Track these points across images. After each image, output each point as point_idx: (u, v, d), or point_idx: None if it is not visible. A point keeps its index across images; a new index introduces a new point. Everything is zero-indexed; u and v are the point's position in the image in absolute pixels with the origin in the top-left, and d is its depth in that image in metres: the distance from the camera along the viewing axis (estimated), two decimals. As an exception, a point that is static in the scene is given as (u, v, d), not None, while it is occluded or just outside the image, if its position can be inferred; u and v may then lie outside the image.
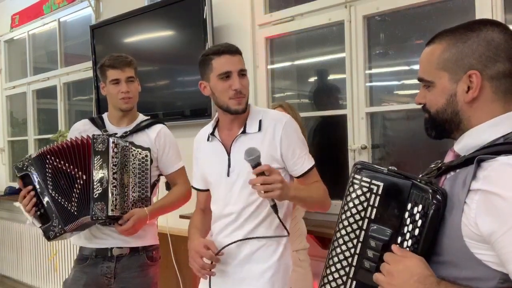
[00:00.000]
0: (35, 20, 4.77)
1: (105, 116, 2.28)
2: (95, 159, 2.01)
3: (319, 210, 1.83)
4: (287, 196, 1.58)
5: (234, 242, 1.71)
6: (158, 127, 2.26)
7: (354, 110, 2.50)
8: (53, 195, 2.02)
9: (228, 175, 1.74)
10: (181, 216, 3.05)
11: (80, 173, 2.02)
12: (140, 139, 2.17)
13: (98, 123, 2.22)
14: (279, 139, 1.70)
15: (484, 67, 1.00)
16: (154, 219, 2.22)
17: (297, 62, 3.05)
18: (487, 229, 0.88)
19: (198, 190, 1.97)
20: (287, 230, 1.68)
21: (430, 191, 0.97)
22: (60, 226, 2.00)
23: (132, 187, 2.07)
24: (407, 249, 0.98)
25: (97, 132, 2.14)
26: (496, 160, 0.90)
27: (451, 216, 0.95)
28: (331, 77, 2.86)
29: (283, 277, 1.73)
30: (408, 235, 0.98)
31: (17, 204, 2.08)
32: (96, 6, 4.02)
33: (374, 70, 2.53)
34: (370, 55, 2.50)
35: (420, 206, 0.97)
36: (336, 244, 1.10)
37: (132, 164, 2.08)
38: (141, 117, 2.30)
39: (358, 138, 2.49)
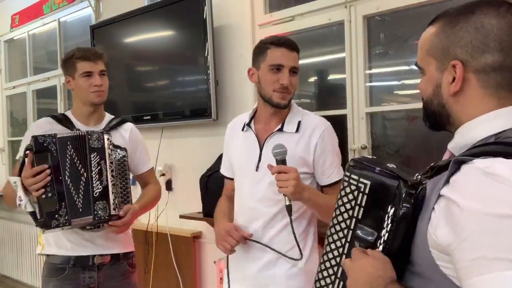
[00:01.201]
0: (35, 20, 4.77)
1: (69, 114, 2.12)
2: (92, 156, 1.93)
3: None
4: (301, 196, 1.57)
5: (257, 242, 1.69)
6: (129, 125, 2.19)
7: (354, 110, 2.50)
8: (68, 182, 1.89)
9: (257, 169, 1.71)
10: (181, 216, 3.06)
11: (82, 169, 1.93)
12: (114, 138, 2.07)
13: (64, 121, 2.07)
14: (314, 144, 1.69)
15: (470, 58, 0.87)
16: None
17: (297, 62, 3.05)
18: (445, 240, 0.79)
19: (226, 178, 1.94)
20: (296, 239, 1.62)
21: (403, 194, 0.90)
22: (66, 217, 1.86)
23: (115, 186, 2.00)
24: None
25: (65, 131, 2.00)
26: (472, 162, 0.79)
27: (422, 223, 0.86)
28: (331, 77, 2.86)
29: (310, 282, 1.71)
30: (382, 239, 0.93)
31: (13, 179, 1.87)
32: (96, 6, 4.02)
33: (374, 70, 2.53)
34: (370, 55, 2.50)
35: (393, 210, 0.91)
36: (326, 242, 1.09)
37: (114, 164, 2.01)
38: (108, 116, 2.18)
39: (358, 138, 2.49)
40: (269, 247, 1.68)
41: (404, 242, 0.89)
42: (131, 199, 2.06)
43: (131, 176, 2.15)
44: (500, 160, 0.77)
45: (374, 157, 1.11)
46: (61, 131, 1.99)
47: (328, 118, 2.78)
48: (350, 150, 2.50)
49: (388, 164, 1.00)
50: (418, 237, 0.86)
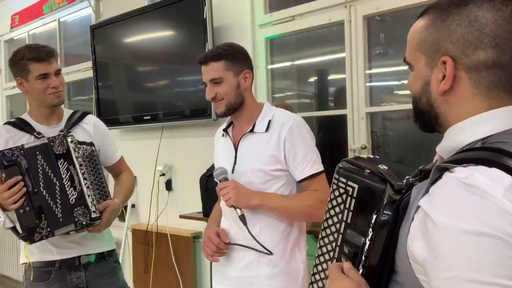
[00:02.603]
0: (35, 20, 4.77)
1: (26, 117, 2.00)
2: (59, 163, 1.85)
3: (303, 220, 1.81)
4: (249, 203, 1.65)
5: (236, 244, 1.73)
6: (91, 118, 2.10)
7: (354, 110, 2.50)
8: (44, 193, 1.82)
9: (232, 171, 1.75)
10: (181, 216, 3.06)
11: (54, 178, 1.85)
12: (77, 134, 1.98)
13: (23, 126, 1.96)
14: (283, 140, 1.71)
15: (461, 54, 0.79)
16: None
17: (297, 62, 3.05)
18: (420, 254, 0.74)
19: None
20: (261, 244, 1.65)
21: (385, 201, 0.84)
22: (48, 229, 1.80)
23: (92, 185, 1.95)
24: (361, 263, 0.89)
25: (26, 137, 1.92)
26: (452, 171, 0.73)
27: (402, 233, 0.80)
28: (331, 77, 2.86)
29: (293, 282, 1.73)
30: (365, 248, 0.87)
31: None
32: (96, 6, 4.02)
33: (374, 70, 2.53)
34: (370, 55, 2.50)
35: (375, 217, 0.85)
36: (318, 245, 1.07)
37: (84, 166, 1.94)
38: (66, 111, 2.08)
39: (358, 138, 2.49)
40: (241, 245, 1.72)
41: (387, 251, 0.84)
42: (109, 192, 2.01)
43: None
44: (481, 169, 0.71)
45: (370, 156, 1.07)
46: (22, 137, 1.92)
47: (328, 118, 2.82)
48: (350, 150, 2.51)
49: (379, 166, 0.94)
50: (400, 247, 0.81)
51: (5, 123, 2.00)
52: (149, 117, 3.34)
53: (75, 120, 2.04)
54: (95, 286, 2.00)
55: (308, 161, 1.72)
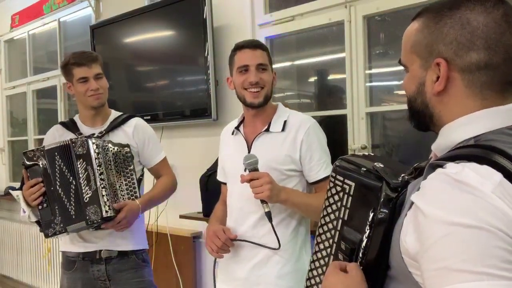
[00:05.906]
0: (35, 20, 4.77)
1: (76, 118, 2.20)
2: (78, 163, 1.98)
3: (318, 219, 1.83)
4: (278, 198, 1.61)
5: (243, 240, 1.72)
6: (134, 120, 2.20)
7: (354, 110, 2.50)
8: (59, 191, 1.98)
9: (245, 170, 1.73)
10: (181, 216, 3.06)
11: (71, 178, 1.99)
12: (117, 136, 2.12)
13: (71, 126, 2.16)
14: (300, 141, 1.71)
15: (454, 56, 0.82)
16: (144, 212, 2.19)
17: (297, 62, 3.05)
18: (413, 247, 0.76)
19: (222, 183, 1.97)
20: (279, 241, 1.66)
21: (382, 199, 0.86)
22: (61, 225, 1.96)
23: (120, 186, 2.04)
24: (359, 259, 0.90)
25: (71, 136, 2.08)
26: (444, 167, 0.75)
27: (396, 228, 0.83)
28: (331, 77, 2.86)
29: (300, 282, 1.70)
30: (362, 245, 0.89)
31: (15, 193, 2.03)
32: (96, 6, 4.02)
33: (374, 70, 2.53)
34: (370, 55, 2.50)
35: (372, 214, 0.87)
36: (315, 242, 1.08)
37: (115, 163, 2.04)
38: (114, 113, 2.22)
39: (358, 138, 2.49)
40: (247, 241, 1.71)
41: (384, 247, 0.85)
42: (139, 194, 2.09)
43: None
44: (472, 166, 0.72)
45: (366, 154, 1.08)
46: (68, 136, 2.08)
47: (328, 118, 2.82)
48: (350, 150, 2.51)
49: (375, 164, 0.96)
50: (393, 243, 0.83)
51: (59, 123, 2.22)
52: (149, 117, 3.33)
53: (118, 122, 2.15)
54: (116, 280, 2.08)
55: (322, 163, 1.73)
